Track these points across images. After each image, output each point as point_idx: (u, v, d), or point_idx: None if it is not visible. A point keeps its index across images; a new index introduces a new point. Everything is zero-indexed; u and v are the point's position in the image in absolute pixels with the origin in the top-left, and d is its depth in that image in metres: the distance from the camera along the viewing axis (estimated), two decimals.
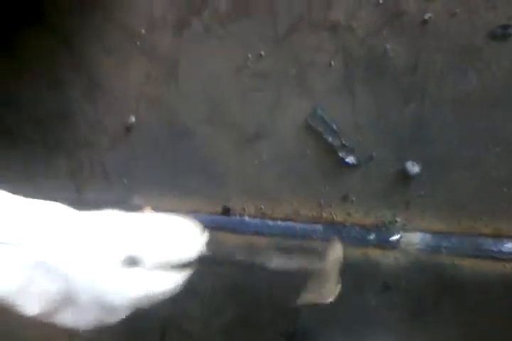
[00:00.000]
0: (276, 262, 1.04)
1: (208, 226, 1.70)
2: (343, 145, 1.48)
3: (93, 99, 1.93)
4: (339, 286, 1.12)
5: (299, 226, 1.63)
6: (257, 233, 1.70)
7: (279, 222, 1.66)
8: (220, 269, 1.46)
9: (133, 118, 1.92)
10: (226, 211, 1.78)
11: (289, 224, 1.64)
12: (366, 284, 1.52)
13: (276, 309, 1.67)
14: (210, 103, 1.73)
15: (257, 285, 1.66)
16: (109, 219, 0.90)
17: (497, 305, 1.34)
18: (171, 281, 0.90)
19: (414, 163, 1.38)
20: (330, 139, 1.49)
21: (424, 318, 1.44)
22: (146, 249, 0.87)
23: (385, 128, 1.43)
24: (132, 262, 0.85)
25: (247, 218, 1.73)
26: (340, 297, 1.47)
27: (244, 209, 1.73)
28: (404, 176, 1.41)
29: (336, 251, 1.22)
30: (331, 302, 1.10)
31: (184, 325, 1.71)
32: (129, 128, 1.92)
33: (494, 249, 1.31)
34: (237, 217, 1.75)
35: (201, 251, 0.96)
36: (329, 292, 1.09)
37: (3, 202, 0.85)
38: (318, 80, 1.51)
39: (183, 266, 0.91)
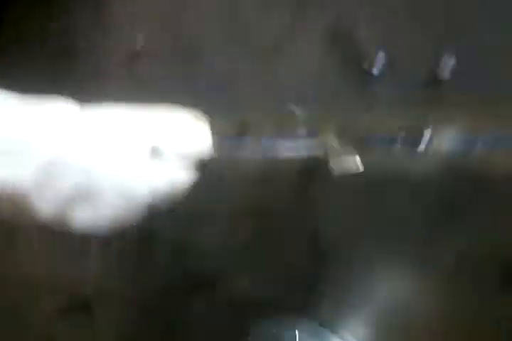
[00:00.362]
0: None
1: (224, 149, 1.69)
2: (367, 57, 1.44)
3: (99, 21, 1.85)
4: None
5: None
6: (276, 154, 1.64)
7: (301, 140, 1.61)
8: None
9: (142, 41, 1.84)
10: (242, 131, 1.71)
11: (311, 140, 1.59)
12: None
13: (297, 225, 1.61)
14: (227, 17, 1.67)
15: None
16: (125, 113, 0.89)
17: None
18: (191, 173, 0.90)
19: (451, 56, 1.35)
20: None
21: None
22: (168, 140, 0.88)
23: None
24: (156, 153, 0.86)
25: (264, 140, 1.67)
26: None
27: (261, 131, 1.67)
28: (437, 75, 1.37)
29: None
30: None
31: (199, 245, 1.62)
32: (137, 53, 1.85)
33: None
34: (254, 139, 1.69)
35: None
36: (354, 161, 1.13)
37: (12, 102, 0.83)
38: None
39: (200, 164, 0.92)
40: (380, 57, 1.43)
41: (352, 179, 1.41)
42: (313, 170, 1.47)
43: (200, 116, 1.00)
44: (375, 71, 1.45)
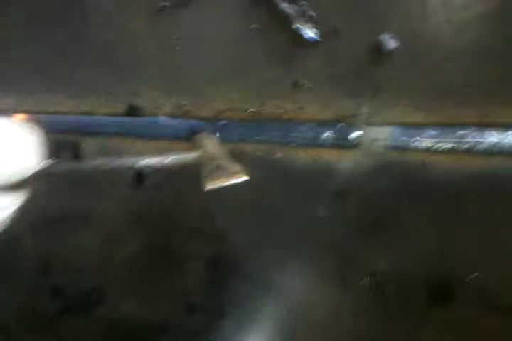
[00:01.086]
0: (144, 162, 0.97)
1: (107, 131, 1.34)
2: (301, 14, 1.15)
3: None
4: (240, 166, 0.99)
5: (234, 126, 1.28)
6: (176, 137, 1.32)
7: (208, 123, 1.30)
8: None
9: None
10: (133, 110, 1.37)
11: (221, 124, 1.29)
12: (315, 193, 1.23)
13: (194, 234, 1.33)
14: None
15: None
16: None
17: (472, 209, 1.15)
18: (8, 205, 0.77)
19: (392, 37, 1.11)
20: (283, 5, 1.16)
21: (383, 232, 1.20)
22: None
23: None
24: None
25: (162, 119, 1.34)
26: (279, 209, 1.19)
27: (158, 108, 1.33)
28: (377, 53, 1.12)
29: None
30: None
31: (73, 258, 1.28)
32: None
33: (477, 140, 1.10)
34: (149, 118, 1.36)
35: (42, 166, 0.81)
36: (234, 170, 0.98)
37: None
38: None
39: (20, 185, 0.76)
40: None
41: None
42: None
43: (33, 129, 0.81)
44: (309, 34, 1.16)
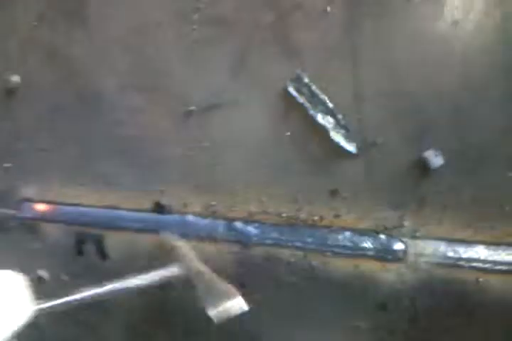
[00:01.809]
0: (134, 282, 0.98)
1: (131, 226, 1.28)
2: (339, 126, 1.08)
3: None
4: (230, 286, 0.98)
5: (264, 229, 1.22)
6: (205, 237, 1.26)
7: (238, 224, 1.24)
8: None
9: (17, 77, 1.35)
10: (160, 207, 1.31)
11: (250, 227, 1.23)
12: (356, 303, 1.17)
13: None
14: (139, 58, 1.23)
15: None
16: None
17: None
18: None
19: (438, 154, 1.03)
20: (319, 117, 1.09)
21: None
22: None
23: (400, 102, 1.06)
24: None
25: (190, 217, 1.28)
26: (318, 319, 1.12)
27: (186, 206, 1.27)
28: (421, 168, 1.06)
29: (183, 249, 1.12)
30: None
31: None
32: (11, 91, 1.35)
33: None
34: (176, 216, 1.30)
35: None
36: (229, 297, 0.95)
37: None
38: (306, 32, 1.09)
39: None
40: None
41: None
42: None
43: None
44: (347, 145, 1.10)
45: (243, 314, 1.20)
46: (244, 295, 0.95)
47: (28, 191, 1.41)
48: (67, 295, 0.91)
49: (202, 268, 1.03)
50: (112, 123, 1.29)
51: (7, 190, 1.42)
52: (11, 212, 1.43)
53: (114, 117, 1.28)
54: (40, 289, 0.85)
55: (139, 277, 0.98)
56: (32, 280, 0.84)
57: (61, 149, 1.36)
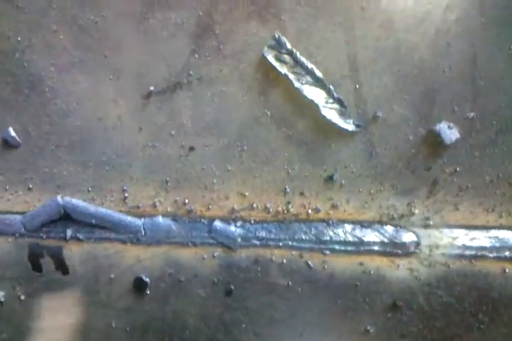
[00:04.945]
0: None
1: (92, 235, 1.10)
2: (331, 99, 0.90)
3: None
4: None
5: (249, 228, 1.04)
6: (181, 242, 1.07)
7: (218, 224, 1.05)
8: None
9: None
10: (140, 284, 1.10)
11: (233, 226, 1.04)
12: (364, 306, 1.01)
13: None
14: (83, 31, 1.02)
15: None
16: None
17: None
18: None
19: (451, 126, 0.87)
20: (306, 90, 0.90)
21: None
22: None
23: (404, 67, 0.88)
24: None
25: (161, 219, 1.09)
26: (321, 323, 0.97)
27: (154, 206, 1.08)
28: (433, 145, 0.89)
29: None
30: None
31: None
32: None
33: None
34: (146, 219, 1.10)
35: None
36: None
37: None
38: None
39: None
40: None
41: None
42: None
43: None
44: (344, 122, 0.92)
45: (233, 324, 1.04)
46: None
47: None
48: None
49: None
50: (54, 114, 1.07)
51: None
52: None
53: (57, 106, 1.06)
54: None
55: None
56: None
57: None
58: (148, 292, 1.10)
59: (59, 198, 1.08)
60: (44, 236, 1.14)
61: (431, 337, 0.98)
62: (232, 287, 1.05)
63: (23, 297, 1.20)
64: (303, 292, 1.03)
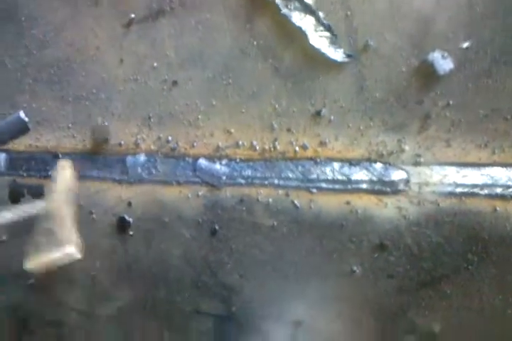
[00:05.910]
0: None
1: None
2: (320, 27, 0.85)
3: None
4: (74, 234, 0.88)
5: (234, 166, 1.00)
6: (165, 180, 1.04)
7: (202, 162, 1.02)
8: None
9: None
10: (123, 223, 1.07)
11: (218, 164, 1.01)
12: (351, 246, 0.99)
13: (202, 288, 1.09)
14: None
15: None
16: None
17: None
18: None
19: (446, 55, 0.82)
20: (294, 17, 0.85)
21: (433, 291, 0.97)
22: None
23: None
24: None
25: (143, 157, 1.05)
26: (305, 265, 0.94)
27: (137, 144, 1.04)
28: (425, 76, 0.84)
29: (65, 176, 0.99)
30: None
31: None
32: None
33: None
34: (128, 157, 1.07)
35: None
36: (65, 239, 0.84)
37: None
38: None
39: None
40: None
41: None
42: None
43: None
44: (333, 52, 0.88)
45: (218, 266, 1.03)
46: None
47: None
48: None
49: (63, 208, 0.92)
50: (32, 45, 1.01)
51: None
52: None
53: (35, 36, 1.01)
54: None
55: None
56: None
57: None
58: (131, 233, 1.08)
59: (22, 114, 1.05)
60: (25, 175, 1.11)
61: (418, 278, 0.97)
62: (217, 227, 1.03)
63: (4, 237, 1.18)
64: (288, 232, 1.01)
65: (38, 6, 1.00)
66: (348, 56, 0.85)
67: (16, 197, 1.15)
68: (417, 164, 0.91)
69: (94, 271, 1.09)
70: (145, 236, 1.07)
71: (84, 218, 1.07)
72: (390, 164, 0.92)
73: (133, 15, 0.95)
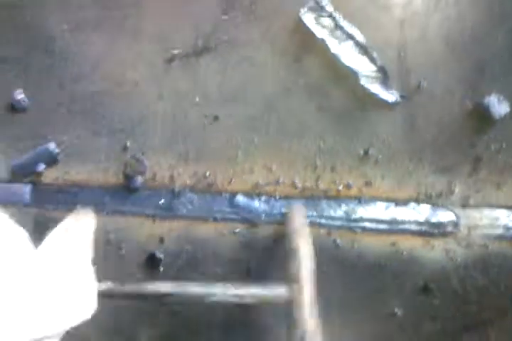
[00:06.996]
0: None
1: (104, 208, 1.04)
2: (372, 67, 0.83)
3: None
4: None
5: (274, 204, 0.98)
6: (201, 216, 1.02)
7: (241, 199, 0.99)
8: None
9: None
10: (154, 260, 1.04)
11: (257, 201, 0.98)
12: (394, 287, 0.96)
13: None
14: None
15: None
16: None
17: None
18: None
19: (502, 99, 0.81)
20: (345, 56, 0.83)
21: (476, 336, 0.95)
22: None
23: (453, 36, 0.81)
24: None
25: (177, 192, 1.02)
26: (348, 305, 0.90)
27: (172, 179, 1.01)
28: (479, 119, 0.83)
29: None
30: None
31: None
32: None
33: None
34: (162, 191, 1.04)
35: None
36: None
37: None
38: None
39: None
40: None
41: None
42: None
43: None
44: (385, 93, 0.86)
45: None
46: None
47: None
48: None
49: None
50: (68, 78, 0.99)
51: None
52: None
53: (70, 69, 0.98)
54: None
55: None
56: None
57: (5, 116, 1.05)
58: (161, 269, 1.04)
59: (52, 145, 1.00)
60: (51, 208, 1.08)
61: (462, 321, 0.94)
62: (252, 266, 1.00)
63: None
64: (328, 272, 0.99)
65: (74, 39, 0.98)
66: (402, 97, 0.84)
67: (40, 230, 1.11)
68: (466, 206, 0.89)
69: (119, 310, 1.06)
70: (176, 274, 1.04)
71: (113, 254, 1.04)
72: (438, 205, 0.90)
73: (176, 52, 0.93)
